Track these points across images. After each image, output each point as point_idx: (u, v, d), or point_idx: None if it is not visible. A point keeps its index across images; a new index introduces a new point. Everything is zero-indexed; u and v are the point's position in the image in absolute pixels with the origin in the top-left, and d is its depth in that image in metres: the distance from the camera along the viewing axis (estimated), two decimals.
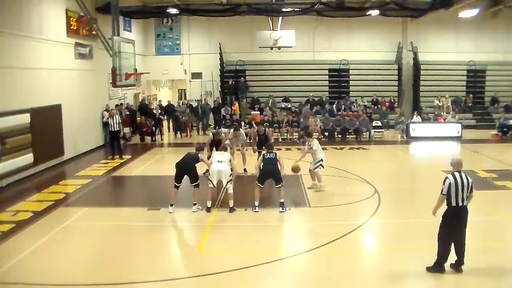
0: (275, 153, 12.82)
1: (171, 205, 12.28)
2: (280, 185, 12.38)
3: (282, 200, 12.36)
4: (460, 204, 8.18)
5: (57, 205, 13.00)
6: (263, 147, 15.61)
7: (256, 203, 12.33)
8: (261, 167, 12.59)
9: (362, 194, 13.73)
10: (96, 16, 21.71)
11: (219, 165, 12.27)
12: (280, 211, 12.19)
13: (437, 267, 8.31)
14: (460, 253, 8.32)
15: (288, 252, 9.57)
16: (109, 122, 19.92)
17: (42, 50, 17.90)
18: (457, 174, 8.23)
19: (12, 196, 14.17)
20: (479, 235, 10.70)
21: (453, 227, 8.26)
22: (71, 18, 19.97)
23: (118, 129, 19.98)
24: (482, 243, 10.07)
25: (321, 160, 14.20)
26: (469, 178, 8.27)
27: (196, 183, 12.42)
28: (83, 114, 20.99)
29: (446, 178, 8.21)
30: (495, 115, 28.14)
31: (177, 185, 12.35)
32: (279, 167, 12.55)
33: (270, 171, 12.42)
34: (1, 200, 13.73)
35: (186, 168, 12.39)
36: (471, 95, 30.15)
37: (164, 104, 28.87)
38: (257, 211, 12.20)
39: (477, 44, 30.98)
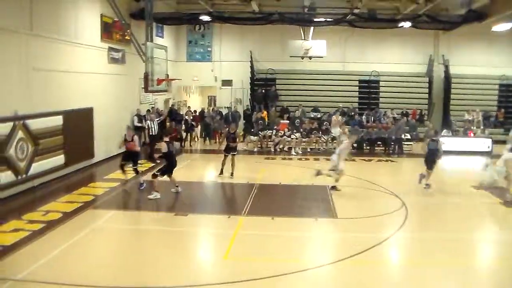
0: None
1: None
2: None
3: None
4: None
5: (86, 207, 13.22)
6: None
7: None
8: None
9: (389, 207, 13.62)
10: (129, 21, 22.05)
11: None
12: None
13: None
14: None
15: (314, 263, 9.53)
16: (149, 125, 20.33)
17: (77, 54, 18.30)
18: None
19: (43, 196, 14.46)
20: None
21: None
22: (106, 23, 20.36)
23: (156, 133, 20.32)
24: None
25: None
26: None
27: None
28: (114, 118, 21.27)
29: None
30: None
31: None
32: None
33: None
34: (32, 199, 14.06)
35: None
36: (502, 110, 29.72)
37: (198, 111, 29.06)
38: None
39: (510, 58, 30.53)
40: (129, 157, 15.79)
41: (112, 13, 19.69)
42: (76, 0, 18.24)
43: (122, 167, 15.76)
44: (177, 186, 14.64)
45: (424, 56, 31.13)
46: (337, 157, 15.38)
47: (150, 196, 13.89)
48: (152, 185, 14.11)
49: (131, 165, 15.90)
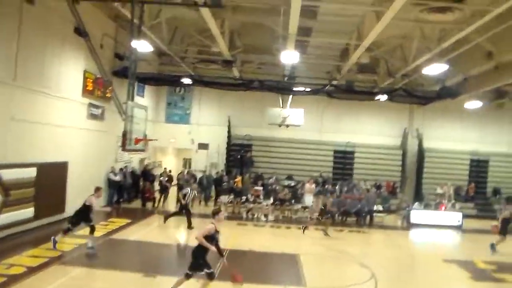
0: None
1: None
2: None
3: None
4: None
5: (52, 263, 12.90)
6: None
7: None
8: None
9: (359, 277, 13.54)
10: (112, 79, 22.31)
11: None
12: None
13: None
14: None
15: None
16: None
17: (57, 107, 18.40)
18: None
19: (9, 248, 14.04)
20: None
21: None
22: (88, 79, 20.60)
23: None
24: None
25: None
26: None
27: None
28: (88, 174, 21.09)
29: None
30: (496, 206, 28.08)
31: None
32: None
33: None
34: None
35: None
36: (473, 184, 30.22)
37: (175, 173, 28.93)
38: None
39: (481, 134, 31.44)
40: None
41: (95, 69, 19.95)
42: (61, 54, 18.50)
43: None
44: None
45: (399, 129, 31.88)
46: None
47: None
48: None
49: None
